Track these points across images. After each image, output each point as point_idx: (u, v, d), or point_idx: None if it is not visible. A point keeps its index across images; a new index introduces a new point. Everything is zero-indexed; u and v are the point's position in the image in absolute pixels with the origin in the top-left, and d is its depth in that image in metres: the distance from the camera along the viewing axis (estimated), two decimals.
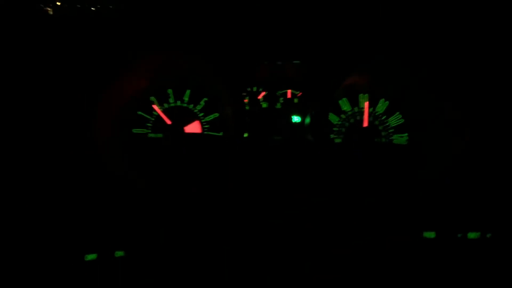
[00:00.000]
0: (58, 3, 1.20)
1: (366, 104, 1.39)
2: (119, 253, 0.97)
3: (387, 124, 1.40)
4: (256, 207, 1.18)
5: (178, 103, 1.41)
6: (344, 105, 1.41)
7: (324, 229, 1.13)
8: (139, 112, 1.38)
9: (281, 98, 1.40)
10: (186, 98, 1.41)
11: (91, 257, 0.95)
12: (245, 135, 1.32)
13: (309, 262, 1.06)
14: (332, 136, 1.40)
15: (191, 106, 1.41)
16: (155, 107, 1.38)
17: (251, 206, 1.18)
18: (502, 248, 1.06)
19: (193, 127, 1.40)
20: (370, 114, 1.40)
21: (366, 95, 1.40)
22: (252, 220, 1.15)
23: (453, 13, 1.18)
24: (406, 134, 1.39)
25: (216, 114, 1.41)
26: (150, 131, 1.39)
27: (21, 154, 1.11)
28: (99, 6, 1.21)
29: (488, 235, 1.07)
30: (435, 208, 1.13)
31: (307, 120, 1.34)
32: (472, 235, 1.07)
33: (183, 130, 1.39)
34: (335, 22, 1.24)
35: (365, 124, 1.39)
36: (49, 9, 1.20)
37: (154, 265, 0.99)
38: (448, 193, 1.15)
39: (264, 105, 1.39)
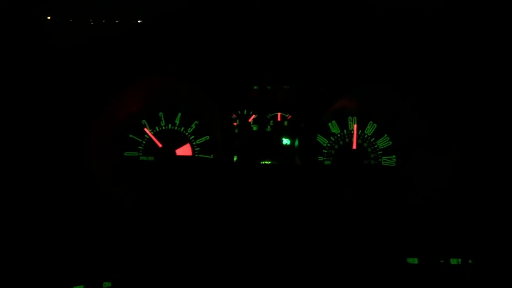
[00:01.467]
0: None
1: (355, 126, 1.41)
2: (107, 284, 0.98)
3: (376, 146, 1.42)
4: (247, 230, 1.19)
5: (170, 126, 1.43)
6: (333, 127, 1.43)
7: (312, 251, 1.14)
8: (131, 135, 1.40)
9: (271, 121, 1.41)
10: (177, 121, 1.43)
11: None
12: (235, 158, 1.33)
13: None
14: (321, 158, 1.42)
15: (182, 129, 1.43)
16: (147, 130, 1.40)
17: (241, 228, 1.20)
18: (484, 274, 1.08)
19: (184, 150, 1.42)
20: (358, 137, 1.42)
21: (355, 117, 1.42)
22: (242, 242, 1.17)
23: (441, 37, 1.20)
24: (394, 156, 1.41)
25: (207, 137, 1.43)
26: (141, 154, 1.41)
27: (12, 175, 1.13)
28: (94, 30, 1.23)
29: (470, 261, 1.09)
30: (419, 233, 1.15)
31: (297, 142, 1.36)
32: (454, 261, 1.09)
33: (174, 153, 1.41)
34: (324, 48, 1.26)
35: (354, 146, 1.41)
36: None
37: None
38: (432, 218, 1.17)
39: (254, 128, 1.41)
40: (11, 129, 1.13)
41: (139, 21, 1.21)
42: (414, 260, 1.08)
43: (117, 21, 1.23)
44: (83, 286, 0.97)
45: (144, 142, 1.41)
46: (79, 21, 1.24)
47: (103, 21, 1.23)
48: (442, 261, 1.07)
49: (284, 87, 1.36)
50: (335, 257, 1.13)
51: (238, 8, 1.26)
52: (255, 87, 1.37)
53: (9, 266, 0.98)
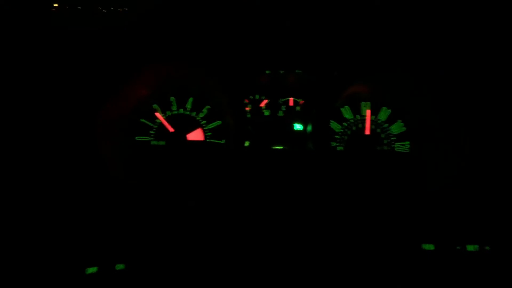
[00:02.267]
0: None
1: (368, 112, 1.39)
2: (120, 266, 0.98)
3: (389, 132, 1.40)
4: (257, 215, 1.19)
5: (181, 110, 1.42)
6: (346, 113, 1.41)
7: (325, 238, 1.14)
8: (142, 120, 1.40)
9: (283, 106, 1.40)
10: (188, 106, 1.42)
11: (91, 270, 0.97)
12: (247, 143, 1.32)
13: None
14: (333, 144, 1.40)
15: (193, 113, 1.42)
16: (158, 114, 1.40)
17: (252, 213, 1.19)
18: (501, 261, 1.06)
19: (196, 135, 1.41)
20: (372, 122, 1.40)
21: (368, 103, 1.40)
22: (252, 228, 1.16)
23: (456, 24, 1.17)
24: (408, 142, 1.39)
25: (219, 122, 1.42)
26: (153, 138, 1.40)
27: (25, 161, 1.13)
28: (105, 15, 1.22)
29: (487, 248, 1.07)
30: (435, 219, 1.13)
31: (309, 128, 1.34)
32: (471, 247, 1.07)
33: (185, 137, 1.40)
34: (337, 32, 1.24)
35: (367, 132, 1.39)
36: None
37: (155, 278, 1.00)
38: (448, 204, 1.16)
39: (266, 113, 1.40)
40: (23, 115, 1.13)
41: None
42: (430, 247, 1.07)
43: (126, 9, 1.21)
44: (96, 268, 0.97)
45: (155, 126, 1.40)
46: (88, 8, 1.23)
47: (112, 8, 1.21)
48: (458, 247, 1.06)
49: (297, 71, 1.33)
50: (350, 244, 1.12)
51: None
52: (267, 72, 1.35)
53: (25, 248, 0.99)
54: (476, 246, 1.07)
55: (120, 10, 1.19)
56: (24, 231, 1.03)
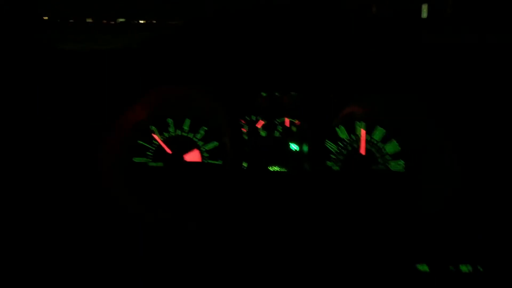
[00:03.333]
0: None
1: (363, 131, 1.41)
2: None
3: (384, 151, 1.42)
4: (256, 236, 1.20)
5: (178, 132, 1.43)
6: (341, 133, 1.43)
7: (322, 258, 1.15)
8: (140, 141, 1.41)
9: (279, 127, 1.42)
10: (185, 127, 1.43)
11: None
12: (245, 164, 1.34)
13: None
14: (329, 163, 1.42)
15: (191, 135, 1.43)
16: (156, 136, 1.41)
17: (251, 234, 1.20)
18: (495, 281, 1.08)
19: (193, 156, 1.42)
20: (367, 142, 1.42)
21: (363, 123, 1.42)
22: (251, 249, 1.17)
23: (449, 42, 1.20)
24: (402, 162, 1.41)
25: (216, 143, 1.43)
26: (150, 160, 1.41)
27: (24, 183, 1.14)
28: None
29: (480, 268, 1.09)
30: (429, 239, 1.15)
31: (305, 148, 1.36)
32: (464, 267, 1.09)
33: (183, 158, 1.42)
34: (332, 55, 1.27)
35: (362, 151, 1.41)
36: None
37: None
38: (442, 224, 1.18)
39: (263, 133, 1.42)
40: (25, 140, 1.14)
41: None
42: (424, 267, 1.08)
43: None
44: None
45: (153, 148, 1.42)
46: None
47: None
48: (452, 267, 1.08)
49: (292, 93, 1.36)
50: (344, 264, 1.14)
51: (246, 15, 1.26)
52: (263, 94, 1.37)
53: (14, 266, 0.99)
54: (469, 266, 1.08)
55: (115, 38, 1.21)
56: (21, 257, 1.04)
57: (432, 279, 1.07)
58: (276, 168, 1.37)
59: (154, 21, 1.27)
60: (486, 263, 1.09)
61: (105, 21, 1.23)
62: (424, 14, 1.51)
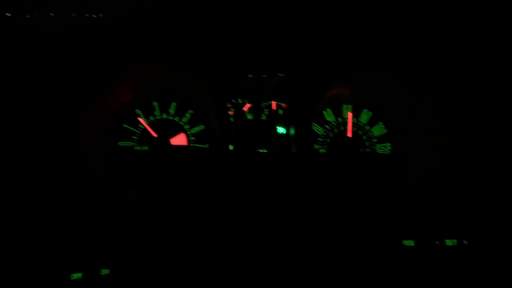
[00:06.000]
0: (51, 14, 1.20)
1: (350, 114, 1.42)
2: (105, 271, 0.97)
3: (371, 134, 1.42)
4: (243, 219, 1.19)
5: (164, 115, 1.42)
6: (328, 115, 1.43)
7: (307, 237, 1.15)
8: (125, 125, 1.39)
9: (266, 110, 1.41)
10: (171, 111, 1.42)
11: (76, 276, 0.96)
12: (231, 147, 1.33)
13: None
14: (316, 146, 1.42)
15: (177, 118, 1.42)
16: (141, 120, 1.39)
17: (238, 217, 1.19)
18: (480, 254, 1.09)
19: (179, 140, 1.41)
20: (353, 125, 1.42)
21: (350, 105, 1.43)
22: (239, 231, 1.16)
23: (434, 20, 1.21)
24: (389, 144, 1.42)
25: (202, 126, 1.42)
26: (136, 144, 1.40)
27: (7, 166, 1.12)
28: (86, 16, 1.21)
29: (465, 242, 1.10)
30: (414, 216, 1.16)
31: (292, 131, 1.36)
32: (449, 242, 1.10)
33: (169, 142, 1.40)
34: (317, 35, 1.26)
35: (349, 134, 1.42)
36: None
37: (139, 283, 1.00)
38: (427, 201, 1.19)
39: (250, 116, 1.41)
40: (4, 125, 1.12)
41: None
42: (410, 242, 1.09)
43: (100, 15, 1.21)
44: (81, 274, 0.96)
45: (138, 132, 1.40)
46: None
47: (87, 15, 1.21)
48: (437, 242, 1.09)
49: (279, 75, 1.35)
50: (332, 242, 1.14)
51: None
52: (249, 76, 1.36)
53: (8, 255, 0.97)
54: (455, 241, 1.09)
55: (95, 16, 1.19)
56: (6, 236, 1.02)
57: (418, 253, 1.08)
58: (263, 151, 1.36)
59: None
60: (471, 237, 1.10)
61: None
62: None
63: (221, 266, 1.09)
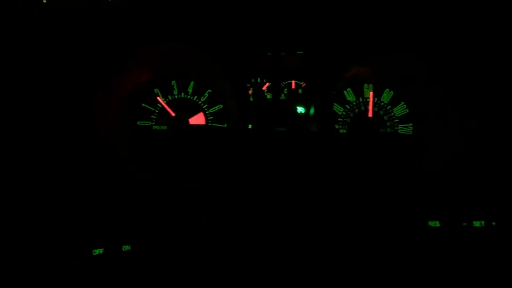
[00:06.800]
0: None
1: (371, 94, 1.39)
2: (126, 247, 0.98)
3: (392, 114, 1.39)
4: (260, 199, 1.18)
5: (182, 95, 1.40)
6: (349, 95, 1.40)
7: (328, 220, 1.13)
8: (144, 104, 1.38)
9: (285, 89, 1.39)
10: (190, 90, 1.40)
11: (98, 251, 0.96)
12: (250, 126, 1.31)
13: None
14: (336, 126, 1.40)
15: (195, 97, 1.41)
16: (159, 99, 1.38)
17: (255, 198, 1.18)
18: (507, 236, 1.06)
19: (197, 119, 1.40)
20: (374, 104, 1.39)
21: (371, 85, 1.39)
22: (255, 213, 1.16)
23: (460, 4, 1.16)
24: (411, 124, 1.38)
25: (220, 106, 1.41)
26: (154, 123, 1.39)
27: (26, 149, 1.12)
28: None
29: (493, 224, 1.07)
30: (440, 197, 1.13)
31: (312, 110, 1.34)
32: (477, 223, 1.07)
33: (187, 122, 1.39)
34: (339, 12, 1.22)
35: (370, 114, 1.39)
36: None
37: (160, 260, 1.00)
38: (452, 182, 1.16)
39: (269, 96, 1.39)
40: (22, 107, 1.11)
41: None
42: (436, 223, 1.07)
43: None
44: (102, 249, 0.96)
45: (157, 111, 1.39)
46: None
47: None
48: (464, 223, 1.06)
49: (298, 52, 1.32)
50: (355, 223, 1.12)
51: None
52: (268, 54, 1.33)
53: (31, 230, 0.98)
54: (483, 222, 1.07)
55: None
56: (29, 215, 1.02)
57: (444, 235, 1.06)
58: (282, 129, 1.34)
59: None
60: (499, 218, 1.07)
61: None
62: None
63: (241, 245, 1.09)
